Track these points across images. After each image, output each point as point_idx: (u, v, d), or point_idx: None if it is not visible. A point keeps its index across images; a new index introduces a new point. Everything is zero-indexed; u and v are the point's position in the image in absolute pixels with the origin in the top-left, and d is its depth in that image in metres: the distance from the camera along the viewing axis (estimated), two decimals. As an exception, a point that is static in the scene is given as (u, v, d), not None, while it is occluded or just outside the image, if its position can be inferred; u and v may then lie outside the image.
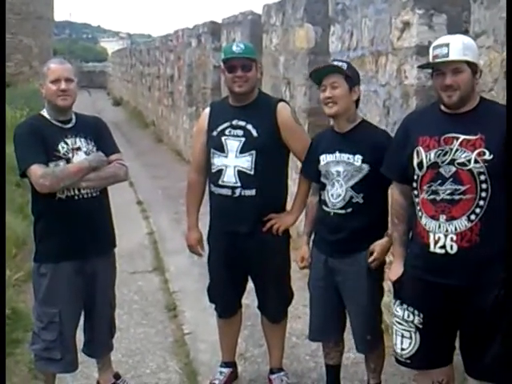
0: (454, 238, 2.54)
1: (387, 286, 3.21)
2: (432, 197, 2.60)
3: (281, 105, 3.42)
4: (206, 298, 3.74)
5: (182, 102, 12.49)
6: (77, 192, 3.18)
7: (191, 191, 3.64)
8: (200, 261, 4.19)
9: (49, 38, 24.03)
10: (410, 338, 2.74)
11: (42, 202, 3.18)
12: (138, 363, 4.08)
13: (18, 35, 21.19)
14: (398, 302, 2.80)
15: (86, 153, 3.23)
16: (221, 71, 3.74)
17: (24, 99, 12.98)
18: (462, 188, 2.53)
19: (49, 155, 3.13)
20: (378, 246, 3.08)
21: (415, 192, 2.70)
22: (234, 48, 3.34)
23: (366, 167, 3.05)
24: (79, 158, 3.20)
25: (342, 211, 3.09)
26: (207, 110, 3.59)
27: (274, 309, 3.59)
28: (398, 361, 2.86)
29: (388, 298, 3.39)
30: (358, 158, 3.06)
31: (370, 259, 3.07)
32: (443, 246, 2.57)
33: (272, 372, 3.69)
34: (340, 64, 3.14)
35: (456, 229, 2.54)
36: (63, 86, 3.15)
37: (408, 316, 2.74)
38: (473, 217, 2.52)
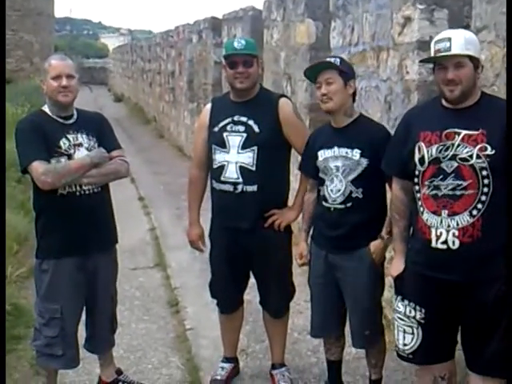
0: (456, 233, 2.54)
1: (388, 281, 3.21)
2: (434, 192, 2.60)
3: (282, 100, 3.42)
4: (208, 293, 3.74)
5: (183, 98, 12.47)
6: (78, 188, 3.17)
7: (193, 187, 3.64)
8: (201, 256, 4.20)
9: (49, 34, 24.05)
10: (412, 333, 2.74)
11: (43, 198, 3.18)
12: (139, 359, 4.08)
13: (19, 32, 21.23)
14: (399, 297, 2.80)
15: (87, 149, 3.22)
16: (222, 67, 3.73)
17: (25, 95, 13.02)
18: (464, 183, 2.52)
19: (50, 151, 3.11)
20: (371, 247, 3.08)
21: (416, 187, 2.69)
22: (236, 44, 3.33)
23: (364, 161, 3.04)
24: (81, 154, 3.19)
25: (342, 206, 3.09)
26: (208, 105, 3.58)
27: (276, 304, 3.59)
28: (400, 356, 2.86)
29: (390, 293, 3.39)
30: (357, 152, 3.05)
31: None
32: (445, 242, 2.56)
33: (274, 367, 3.69)
34: (333, 60, 3.13)
35: (458, 224, 2.54)
36: (64, 82, 3.14)
37: (410, 312, 2.74)
38: (475, 212, 2.52)
